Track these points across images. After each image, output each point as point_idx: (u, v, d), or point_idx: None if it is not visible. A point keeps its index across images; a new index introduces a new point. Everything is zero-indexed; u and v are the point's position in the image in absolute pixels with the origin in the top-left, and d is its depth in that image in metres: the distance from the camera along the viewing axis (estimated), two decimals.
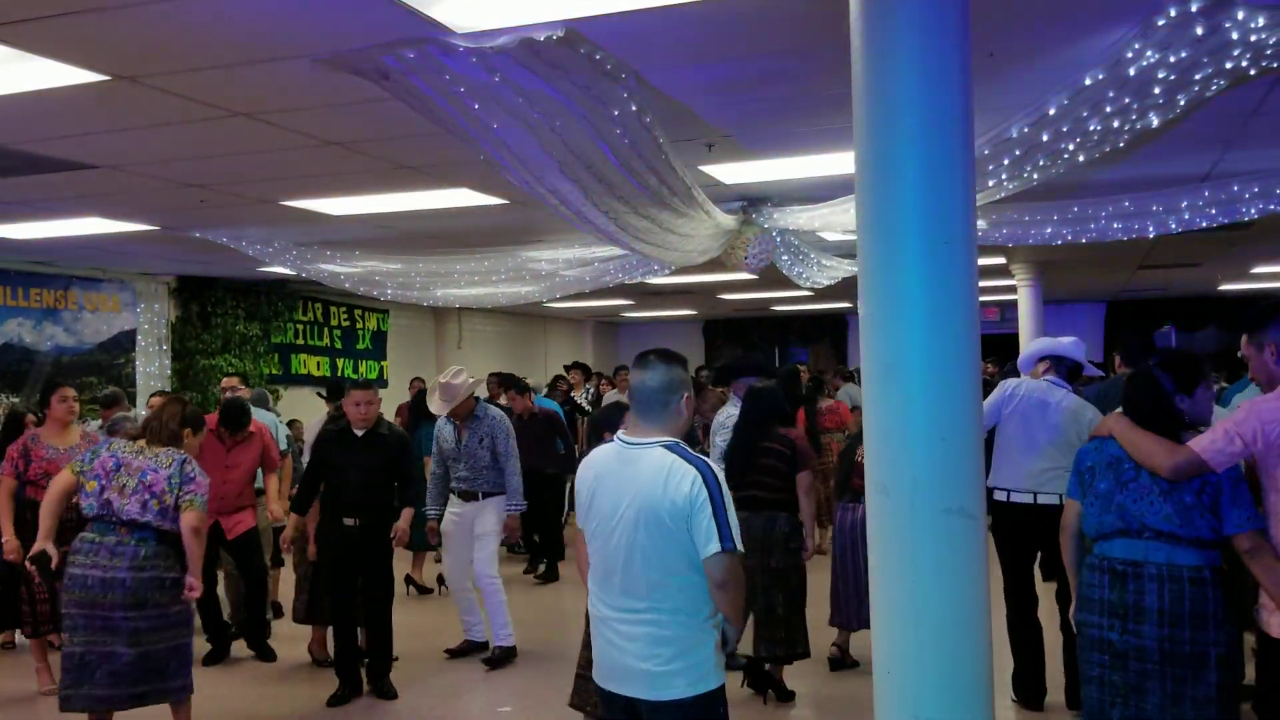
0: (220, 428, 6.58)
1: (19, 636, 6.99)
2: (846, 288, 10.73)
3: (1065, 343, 5.55)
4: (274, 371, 12.96)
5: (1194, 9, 3.78)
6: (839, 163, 6.16)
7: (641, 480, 2.94)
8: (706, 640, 2.98)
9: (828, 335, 20.16)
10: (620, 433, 3.11)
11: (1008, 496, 5.29)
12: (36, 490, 5.79)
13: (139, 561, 4.47)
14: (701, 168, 6.30)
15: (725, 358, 17.91)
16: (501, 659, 6.39)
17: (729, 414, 6.27)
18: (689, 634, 2.95)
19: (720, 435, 6.24)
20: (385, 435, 5.90)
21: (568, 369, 13.12)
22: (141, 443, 4.70)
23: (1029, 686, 5.36)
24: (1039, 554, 5.40)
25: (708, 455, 4.22)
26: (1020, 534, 5.31)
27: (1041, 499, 5.15)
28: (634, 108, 4.22)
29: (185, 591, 4.58)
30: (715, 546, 2.85)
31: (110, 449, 4.66)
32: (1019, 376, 5.65)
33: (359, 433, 5.83)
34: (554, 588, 8.88)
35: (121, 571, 4.44)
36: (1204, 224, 7.11)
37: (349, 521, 5.75)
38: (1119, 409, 3.66)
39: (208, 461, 6.37)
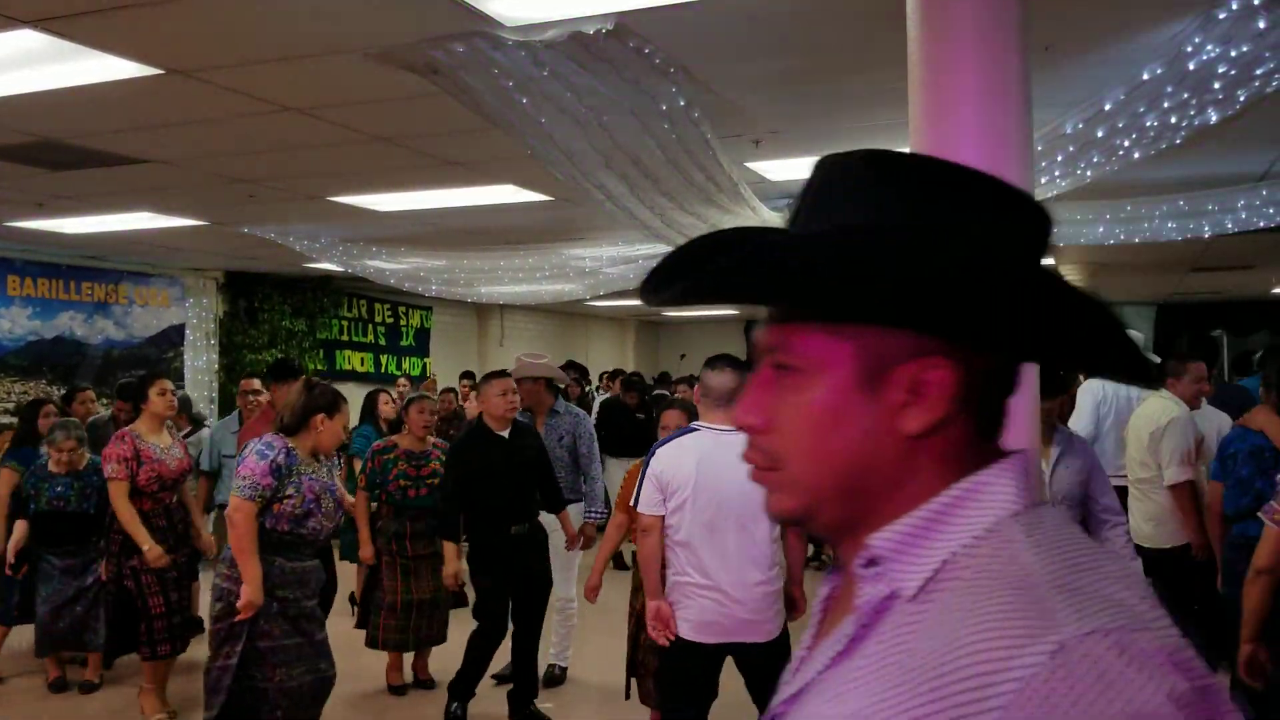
0: (272, 385, 6.13)
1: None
2: None
3: None
4: (319, 367, 13.07)
5: (1256, 1, 3.70)
6: None
7: None
8: None
9: None
10: (699, 423, 3.70)
11: None
12: (141, 500, 5.20)
13: None
14: (748, 164, 6.25)
15: None
16: (559, 679, 6.01)
17: None
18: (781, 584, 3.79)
19: None
20: (526, 429, 5.42)
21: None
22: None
23: None
24: None
25: None
26: None
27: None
28: (682, 103, 4.20)
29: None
30: None
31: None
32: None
33: (504, 432, 5.24)
34: None
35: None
36: (1261, 224, 6.97)
37: (517, 529, 5.19)
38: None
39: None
